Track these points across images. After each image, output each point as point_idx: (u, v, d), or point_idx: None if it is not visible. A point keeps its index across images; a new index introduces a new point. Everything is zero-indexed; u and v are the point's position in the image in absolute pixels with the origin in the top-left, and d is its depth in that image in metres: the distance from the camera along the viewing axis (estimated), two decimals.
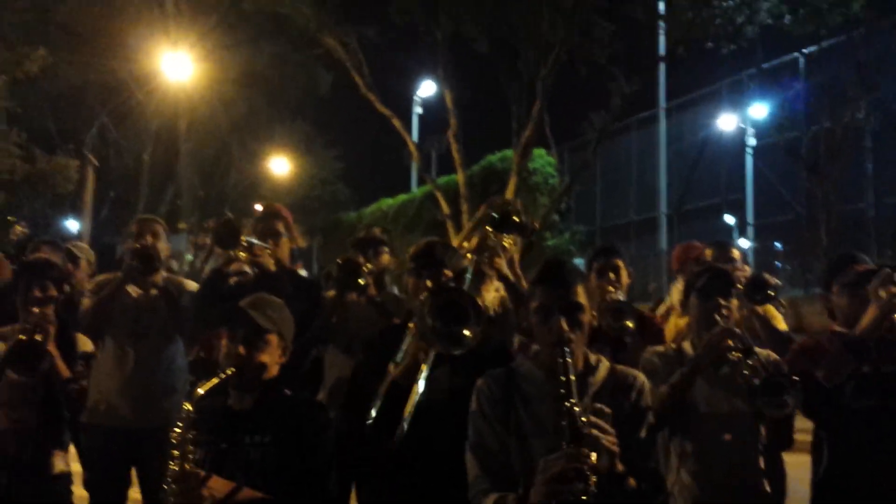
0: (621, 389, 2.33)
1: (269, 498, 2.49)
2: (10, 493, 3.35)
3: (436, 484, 2.81)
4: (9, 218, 17.39)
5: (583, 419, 2.00)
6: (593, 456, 1.95)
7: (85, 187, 16.48)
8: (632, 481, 2.10)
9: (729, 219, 19.64)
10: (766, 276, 3.70)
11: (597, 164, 18.32)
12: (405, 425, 2.73)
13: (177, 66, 17.21)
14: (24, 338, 3.24)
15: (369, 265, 4.12)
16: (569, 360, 2.12)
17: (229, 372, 2.56)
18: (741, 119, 18.32)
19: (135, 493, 4.03)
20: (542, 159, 17.68)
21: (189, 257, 19.50)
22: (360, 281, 3.86)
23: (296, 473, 2.54)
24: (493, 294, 4.00)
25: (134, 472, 4.06)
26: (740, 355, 2.84)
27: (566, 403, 2.01)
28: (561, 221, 17.41)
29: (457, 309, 2.71)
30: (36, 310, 3.36)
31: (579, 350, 2.31)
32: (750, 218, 18.56)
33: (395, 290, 5.05)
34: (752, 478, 2.89)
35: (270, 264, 3.90)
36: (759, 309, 3.73)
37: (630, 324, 3.74)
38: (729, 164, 17.77)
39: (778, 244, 19.00)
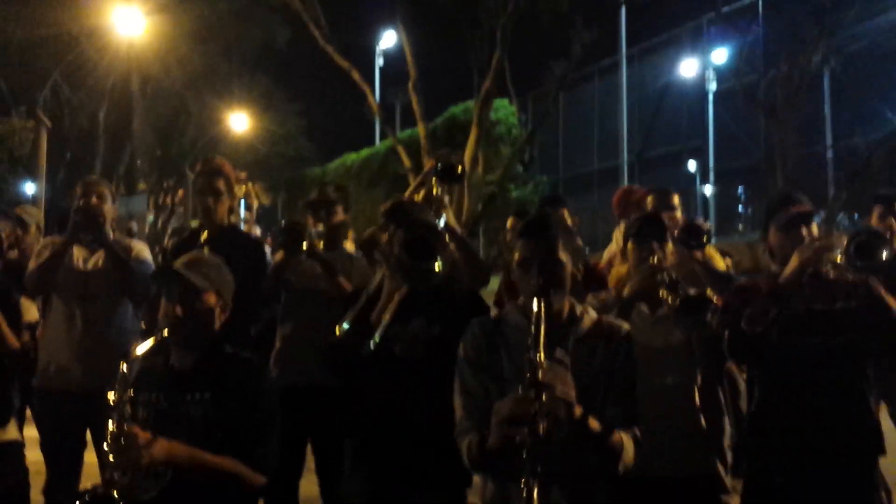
0: (606, 339, 2.37)
1: (206, 456, 2.50)
2: None
3: (419, 437, 2.87)
4: None
5: (542, 366, 2.05)
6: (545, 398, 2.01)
7: (39, 149, 16.09)
8: (593, 423, 2.16)
9: (691, 165, 19.83)
10: (699, 222, 3.79)
11: (559, 114, 18.33)
12: (377, 336, 2.80)
13: (128, 20, 16.76)
14: None
15: (320, 225, 4.16)
16: (540, 310, 2.16)
17: (165, 333, 2.57)
18: (702, 64, 18.38)
19: (90, 455, 4.00)
20: (505, 109, 17.65)
21: (150, 218, 19.26)
22: (303, 245, 3.89)
23: (235, 430, 2.56)
24: None
25: (89, 435, 4.06)
26: (669, 292, 2.94)
27: (530, 355, 2.08)
28: (524, 172, 17.45)
29: (425, 245, 2.78)
30: None
31: (560, 302, 2.35)
32: (711, 164, 18.75)
33: (351, 246, 5.09)
34: (689, 413, 3.00)
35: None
36: (700, 253, 3.81)
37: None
38: (690, 111, 17.85)
39: (741, 189, 19.25)
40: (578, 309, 2.45)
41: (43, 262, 3.92)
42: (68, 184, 21.29)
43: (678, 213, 4.56)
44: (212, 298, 2.67)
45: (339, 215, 4.43)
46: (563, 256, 2.35)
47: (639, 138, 18.05)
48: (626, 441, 2.25)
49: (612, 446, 2.21)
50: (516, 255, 2.42)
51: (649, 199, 4.70)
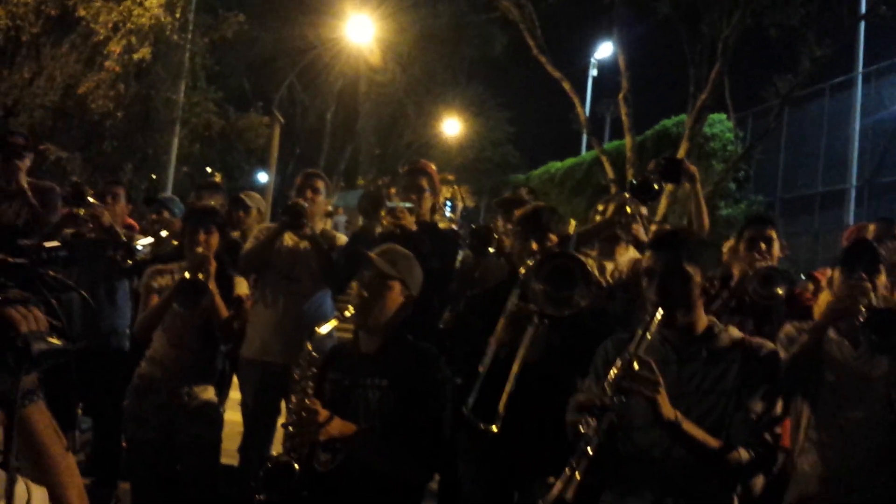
0: (744, 357, 2.30)
1: (377, 438, 2.62)
2: (171, 412, 3.76)
3: (534, 440, 2.90)
4: (207, 169, 18.97)
5: (635, 370, 2.09)
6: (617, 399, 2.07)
7: (272, 143, 17.64)
8: (690, 428, 2.12)
9: None
10: None
11: (782, 132, 17.16)
12: (501, 410, 2.82)
13: (360, 28, 17.97)
14: (188, 275, 3.61)
15: (509, 225, 4.22)
16: (655, 318, 2.19)
17: (347, 314, 2.73)
18: None
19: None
20: (722, 125, 16.84)
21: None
22: (490, 248, 3.97)
23: (410, 419, 2.65)
24: (626, 257, 4.00)
25: (283, 405, 4.42)
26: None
27: (626, 356, 2.13)
28: (737, 190, 16.54)
29: (566, 273, 2.78)
30: (199, 249, 3.74)
31: (686, 316, 2.33)
32: None
33: None
34: (883, 455, 2.75)
35: (410, 223, 4.09)
36: None
37: (780, 291, 3.62)
38: None
39: None
40: (718, 326, 2.40)
41: (256, 245, 4.32)
42: (296, 175, 23.08)
43: None
44: (397, 286, 2.80)
45: None
46: (690, 269, 2.30)
47: (870, 162, 16.50)
48: (744, 458, 2.16)
49: (723, 461, 2.14)
50: (643, 265, 2.43)
51: (871, 227, 4.35)
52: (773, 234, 4.31)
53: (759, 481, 2.17)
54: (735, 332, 2.40)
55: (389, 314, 2.80)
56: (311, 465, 2.67)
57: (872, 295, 2.78)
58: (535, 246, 3.16)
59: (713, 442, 2.14)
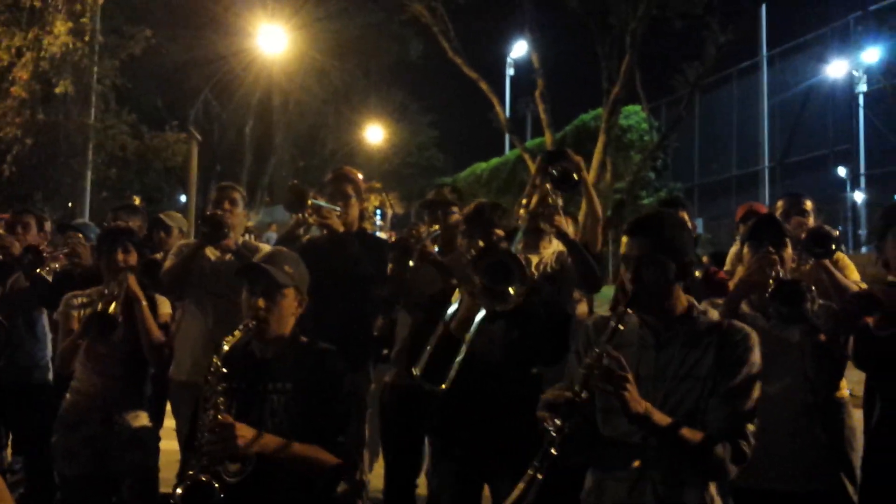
0: (721, 340, 2.28)
1: (288, 443, 2.60)
2: (104, 443, 3.64)
3: (496, 433, 2.93)
4: (128, 194, 18.40)
5: (603, 363, 2.09)
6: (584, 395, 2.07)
7: (190, 161, 17.24)
8: (659, 418, 2.14)
9: (841, 170, 18.66)
10: (827, 228, 3.56)
11: (694, 119, 17.74)
12: (453, 374, 2.90)
13: (272, 39, 17.73)
14: (100, 308, 3.54)
15: (435, 226, 4.21)
16: (623, 304, 2.21)
17: (250, 325, 2.71)
18: (852, 65, 17.28)
19: None
20: (636, 116, 17.29)
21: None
22: (410, 262, 3.92)
23: (315, 418, 2.66)
24: (550, 250, 4.06)
25: None
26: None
27: (596, 350, 2.12)
28: (656, 179, 17.00)
29: (502, 268, 2.82)
30: (118, 268, 3.66)
31: (666, 299, 2.32)
32: (862, 169, 17.58)
33: None
34: (804, 424, 2.87)
35: (337, 225, 4.07)
36: (829, 261, 3.59)
37: (697, 273, 3.72)
38: (836, 114, 16.81)
39: None
40: (697, 309, 2.38)
41: (177, 262, 4.21)
42: None
43: (810, 220, 4.31)
44: (291, 293, 2.79)
45: (455, 216, 4.41)
46: (667, 256, 2.29)
47: (780, 143, 17.16)
48: (719, 449, 2.15)
49: (695, 447, 2.14)
50: (622, 252, 2.39)
51: (779, 203, 4.49)
52: (685, 215, 4.44)
53: (733, 469, 2.16)
54: (714, 315, 2.40)
55: (288, 322, 2.79)
56: (224, 479, 2.63)
57: (779, 267, 2.90)
58: (481, 242, 3.20)
59: (687, 432, 2.13)
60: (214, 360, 2.63)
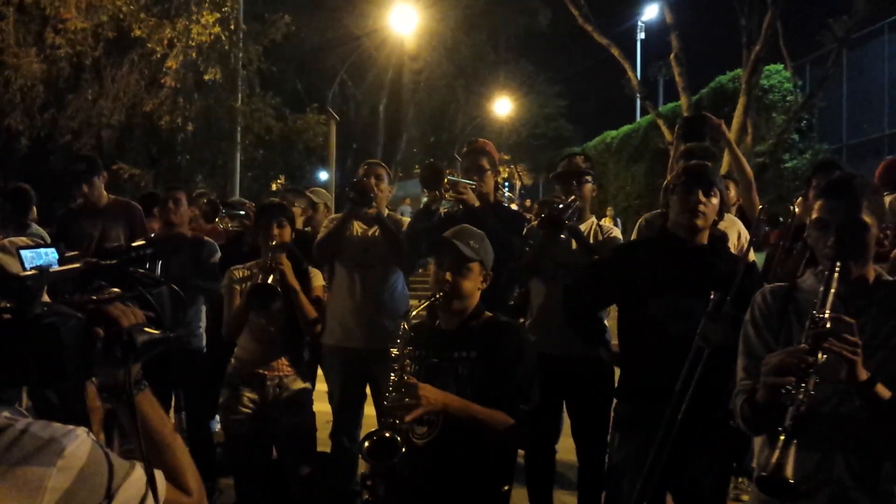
0: None
1: (475, 406, 2.72)
2: (264, 405, 3.96)
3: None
4: (272, 174, 19.35)
5: (826, 324, 2.00)
6: (820, 357, 1.95)
7: (329, 141, 17.92)
8: (882, 390, 2.04)
9: None
10: None
11: (843, 76, 16.56)
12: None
13: (404, 17, 18.07)
14: (260, 280, 3.81)
15: (573, 198, 4.20)
16: (832, 272, 2.11)
17: (438, 296, 2.86)
18: None
19: (369, 409, 4.43)
20: (779, 76, 16.37)
21: (425, 198, 20.52)
22: (562, 234, 4.03)
23: (500, 386, 2.77)
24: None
25: (368, 390, 4.54)
26: None
27: (814, 312, 2.03)
28: (801, 141, 16.06)
29: None
30: (274, 242, 3.93)
31: (862, 268, 2.23)
32: None
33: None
34: None
35: (473, 199, 4.16)
36: None
37: None
38: None
39: None
40: (886, 277, 2.27)
41: (328, 233, 4.45)
42: (355, 170, 23.36)
43: None
44: (476, 268, 2.92)
45: (589, 185, 4.37)
46: (868, 220, 2.18)
47: None
48: None
49: None
50: (813, 215, 2.28)
51: None
52: None
53: None
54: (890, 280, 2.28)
55: (473, 295, 2.92)
56: (412, 438, 2.79)
57: None
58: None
59: (887, 396, 2.03)
60: (403, 325, 2.81)
